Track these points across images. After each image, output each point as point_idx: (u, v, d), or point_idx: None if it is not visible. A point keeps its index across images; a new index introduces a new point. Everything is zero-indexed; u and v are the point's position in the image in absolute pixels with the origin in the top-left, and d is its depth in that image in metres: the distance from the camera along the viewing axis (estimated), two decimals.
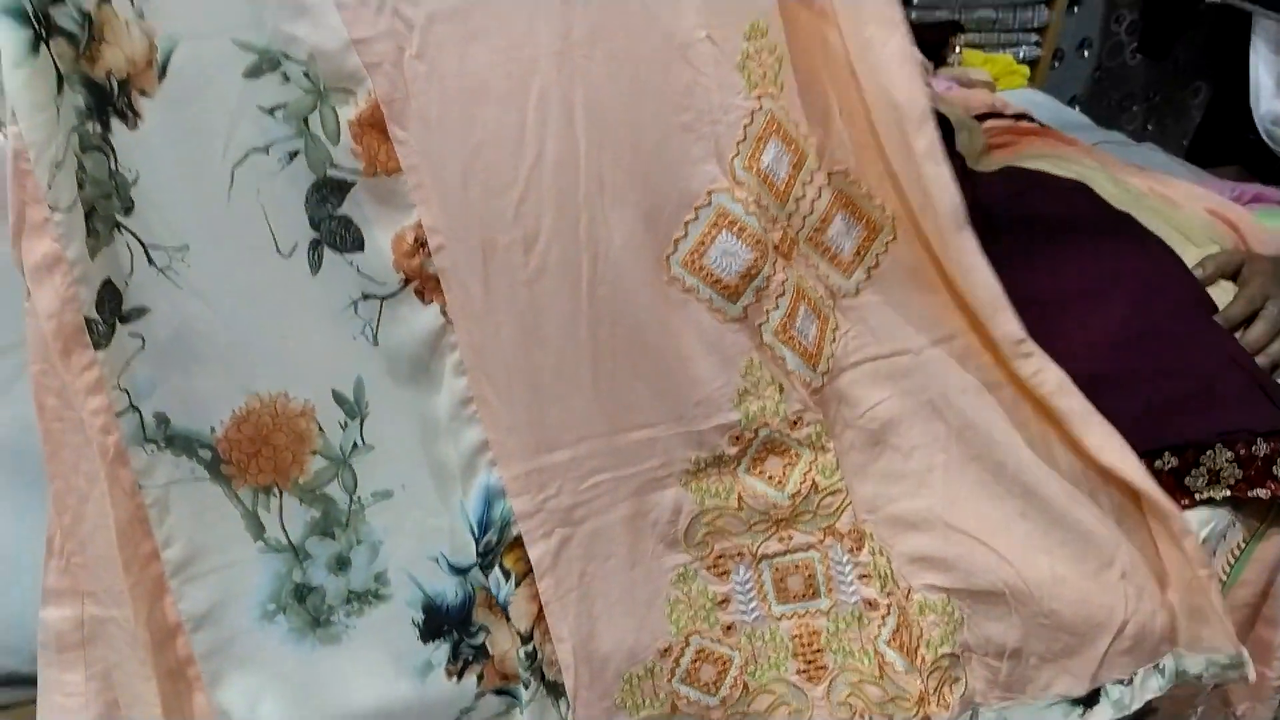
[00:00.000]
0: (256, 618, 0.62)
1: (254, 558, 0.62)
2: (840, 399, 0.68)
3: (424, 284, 0.60)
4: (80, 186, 0.53)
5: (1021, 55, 2.08)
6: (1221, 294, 0.82)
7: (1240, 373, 0.73)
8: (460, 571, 0.65)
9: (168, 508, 0.59)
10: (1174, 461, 0.71)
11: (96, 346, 0.55)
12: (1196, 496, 0.71)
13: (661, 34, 0.59)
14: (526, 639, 0.64)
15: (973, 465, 0.68)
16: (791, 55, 0.62)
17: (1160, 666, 0.68)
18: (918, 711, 0.66)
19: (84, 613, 0.61)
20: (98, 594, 0.61)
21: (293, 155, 0.57)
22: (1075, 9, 2.27)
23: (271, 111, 0.56)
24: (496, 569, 0.64)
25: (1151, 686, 0.68)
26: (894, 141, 0.62)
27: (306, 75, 0.56)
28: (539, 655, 0.64)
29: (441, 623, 0.65)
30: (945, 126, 1.08)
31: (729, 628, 0.69)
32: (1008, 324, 0.64)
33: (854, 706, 0.68)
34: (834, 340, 0.67)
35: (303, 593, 0.63)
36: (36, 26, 0.50)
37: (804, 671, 0.69)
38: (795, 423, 0.66)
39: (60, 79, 0.52)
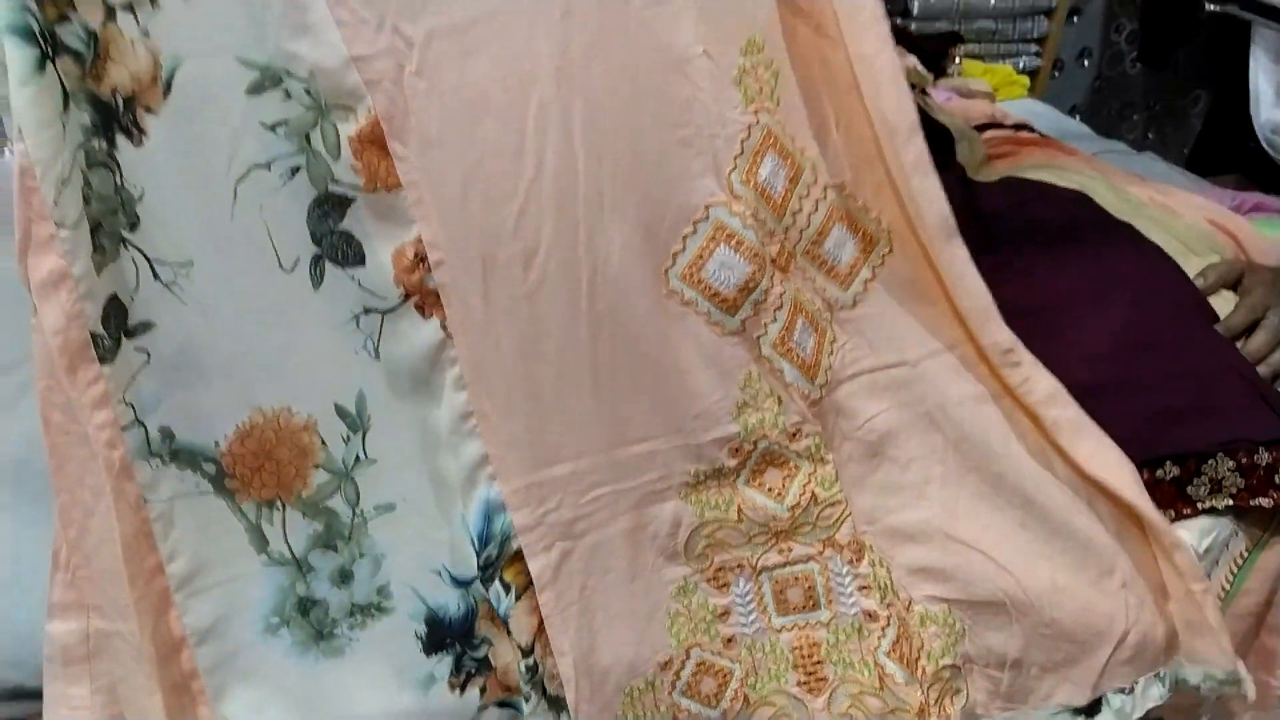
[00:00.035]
0: (260, 631, 0.63)
1: (257, 571, 0.62)
2: (838, 411, 0.69)
3: (424, 299, 0.61)
4: (86, 203, 0.54)
5: (1021, 65, 2.07)
6: (1222, 303, 0.82)
7: (1242, 382, 0.73)
8: (462, 584, 0.65)
9: (172, 522, 0.60)
10: (1176, 471, 0.71)
11: (102, 361, 0.56)
12: (1199, 506, 0.71)
13: (659, 49, 0.60)
14: (527, 652, 0.64)
15: (971, 476, 0.68)
16: (789, 70, 0.63)
17: (1161, 675, 0.68)
18: None
19: (89, 626, 0.62)
20: (103, 608, 0.61)
21: (294, 171, 0.58)
22: (1075, 19, 2.27)
23: (273, 128, 0.57)
24: (497, 583, 0.64)
25: (1153, 695, 0.68)
26: (888, 153, 0.63)
27: (308, 92, 0.57)
28: (540, 669, 0.64)
29: (444, 635, 0.65)
30: (945, 137, 1.09)
31: (729, 640, 0.69)
32: (997, 333, 0.64)
33: (854, 718, 0.68)
34: (832, 352, 0.68)
35: (306, 606, 0.63)
36: (43, 45, 0.50)
37: (804, 683, 0.69)
38: (794, 435, 0.66)
39: (66, 96, 0.52)
